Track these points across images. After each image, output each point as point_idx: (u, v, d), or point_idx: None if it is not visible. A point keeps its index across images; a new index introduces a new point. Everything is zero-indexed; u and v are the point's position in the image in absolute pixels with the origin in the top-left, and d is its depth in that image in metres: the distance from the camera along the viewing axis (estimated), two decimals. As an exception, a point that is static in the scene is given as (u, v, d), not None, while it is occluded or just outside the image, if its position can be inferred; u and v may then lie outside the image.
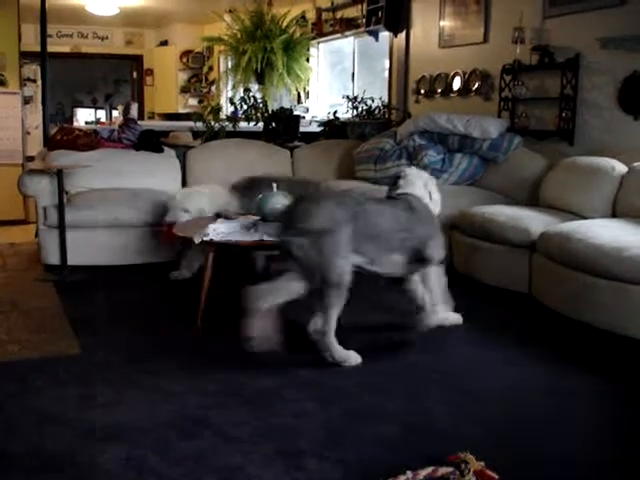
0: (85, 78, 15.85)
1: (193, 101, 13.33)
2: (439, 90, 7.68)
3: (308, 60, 10.06)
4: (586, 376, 3.61)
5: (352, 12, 9.23)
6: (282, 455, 2.73)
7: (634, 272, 3.87)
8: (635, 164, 4.99)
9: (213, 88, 12.88)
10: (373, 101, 8.41)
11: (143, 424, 2.99)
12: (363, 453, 2.77)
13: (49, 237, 5.58)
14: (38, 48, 7.11)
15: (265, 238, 4.24)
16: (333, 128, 8.37)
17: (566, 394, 3.41)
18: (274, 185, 4.65)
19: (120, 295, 5.06)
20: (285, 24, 9.75)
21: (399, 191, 4.05)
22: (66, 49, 13.09)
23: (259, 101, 8.90)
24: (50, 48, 7.22)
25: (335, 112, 8.60)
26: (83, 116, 15.41)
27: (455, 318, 4.21)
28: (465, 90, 7.28)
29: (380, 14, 8.35)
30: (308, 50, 9.98)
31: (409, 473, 2.49)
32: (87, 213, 5.61)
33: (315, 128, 8.86)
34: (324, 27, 9.78)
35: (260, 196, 4.59)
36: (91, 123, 13.31)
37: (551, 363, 3.78)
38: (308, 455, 2.73)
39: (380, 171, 6.45)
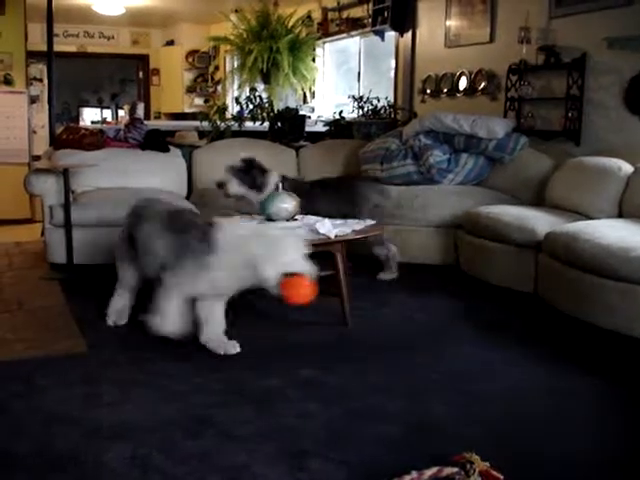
0: (91, 78, 15.88)
1: (199, 101, 13.33)
2: (445, 90, 7.68)
3: (314, 60, 10.05)
4: (590, 376, 3.60)
5: (358, 12, 9.23)
6: (286, 455, 2.73)
7: (641, 272, 3.86)
8: (641, 164, 4.99)
9: (219, 88, 12.89)
10: (379, 101, 8.41)
11: (148, 423, 2.99)
12: (366, 453, 2.76)
13: (55, 236, 5.59)
14: (44, 48, 7.12)
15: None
16: (339, 128, 8.37)
17: (569, 394, 3.40)
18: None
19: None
20: (291, 24, 9.74)
21: None
22: (72, 49, 13.11)
23: (265, 101, 8.89)
24: (56, 48, 7.24)
25: (341, 112, 8.60)
26: (89, 115, 15.44)
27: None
28: (471, 90, 7.28)
29: (386, 14, 8.35)
30: (314, 50, 9.97)
31: (414, 473, 2.49)
32: (93, 212, 5.61)
33: (321, 128, 8.86)
34: (330, 27, 9.77)
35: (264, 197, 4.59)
36: (97, 122, 13.31)
37: (555, 363, 3.78)
38: (311, 455, 2.73)
39: (386, 170, 6.44)
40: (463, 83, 7.42)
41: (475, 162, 6.23)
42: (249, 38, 9.74)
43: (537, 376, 3.63)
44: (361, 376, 3.58)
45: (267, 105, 8.82)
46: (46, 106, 7.88)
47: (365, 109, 8.43)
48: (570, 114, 5.97)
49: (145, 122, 7.15)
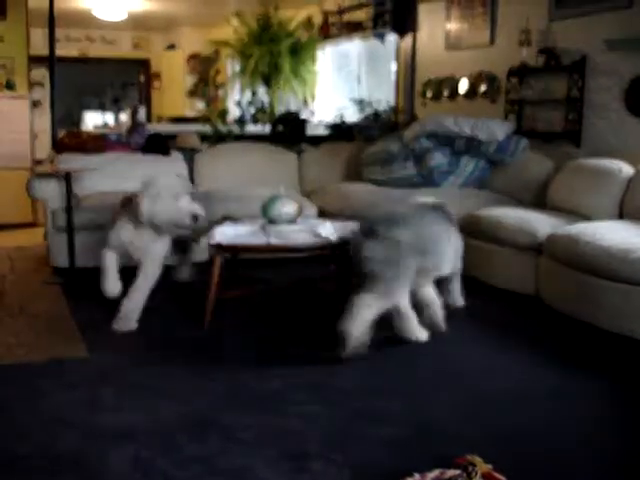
0: (93, 82, 15.87)
1: (200, 104, 13.34)
2: (446, 93, 7.69)
3: (315, 63, 10.07)
4: (592, 378, 3.61)
5: (359, 15, 9.23)
6: (288, 457, 2.74)
7: (641, 274, 3.87)
8: (642, 166, 5.00)
9: (220, 91, 12.90)
10: (380, 104, 8.41)
11: (150, 426, 3.00)
12: (368, 455, 2.77)
13: (57, 240, 5.60)
14: (46, 52, 7.13)
15: (272, 241, 4.25)
16: (340, 131, 8.37)
17: (570, 396, 3.41)
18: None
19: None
20: (292, 27, 9.76)
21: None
22: (74, 53, 13.11)
23: (266, 104, 8.91)
24: (58, 52, 7.24)
25: (342, 115, 8.60)
26: (91, 120, 15.44)
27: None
28: (472, 93, 7.29)
29: (387, 17, 8.36)
30: (315, 53, 9.99)
31: (417, 475, 2.49)
32: (95, 216, 5.62)
33: (322, 131, 8.85)
34: (331, 30, 9.76)
35: (267, 200, 4.60)
36: (99, 127, 13.34)
37: (556, 365, 3.78)
38: (314, 457, 2.73)
39: (387, 173, 6.45)
40: (464, 86, 7.42)
41: (476, 165, 6.24)
42: (250, 42, 9.76)
43: (539, 378, 3.64)
44: (362, 378, 3.59)
45: (268, 108, 8.84)
46: (48, 110, 7.87)
47: (366, 112, 8.44)
48: (570, 116, 5.98)
49: (147, 126, 7.16)
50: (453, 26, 7.55)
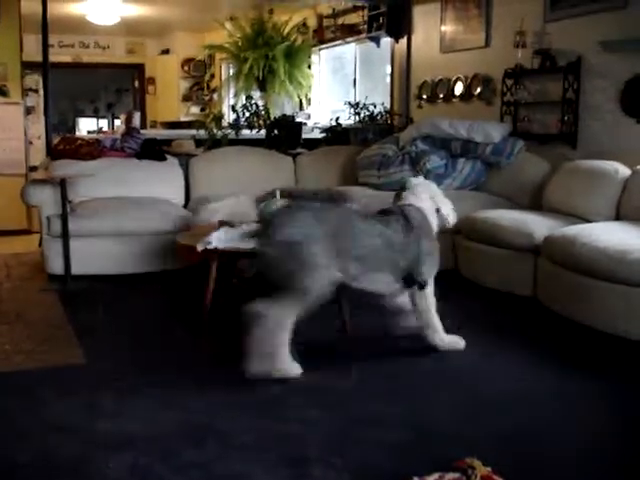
0: (87, 87, 15.88)
1: (195, 109, 13.34)
2: (441, 95, 7.69)
3: (310, 67, 10.08)
4: (590, 379, 3.60)
5: (353, 18, 9.25)
6: (287, 462, 2.72)
7: (638, 275, 3.86)
8: (638, 167, 4.99)
9: (215, 96, 12.90)
10: (375, 107, 8.41)
11: (148, 432, 2.98)
12: (368, 459, 2.76)
13: (53, 247, 5.58)
14: (40, 58, 7.10)
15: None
16: (335, 134, 8.37)
17: (570, 397, 3.40)
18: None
19: (124, 304, 5.05)
20: (286, 31, 9.77)
21: (402, 202, 3.98)
22: (68, 59, 13.09)
23: (261, 108, 8.90)
24: (52, 58, 7.21)
25: (337, 118, 8.60)
26: (85, 125, 15.44)
27: (456, 342, 4.02)
28: (467, 95, 7.29)
29: (381, 20, 8.38)
30: (309, 57, 9.99)
31: (416, 479, 2.48)
32: (90, 222, 5.61)
33: (317, 134, 8.86)
34: (325, 34, 9.79)
35: (262, 204, 4.58)
36: (93, 132, 13.32)
37: (555, 366, 3.78)
38: (313, 462, 2.72)
39: (383, 177, 6.44)
40: (459, 88, 7.43)
41: (472, 167, 6.23)
42: (244, 46, 9.77)
43: (537, 379, 3.63)
44: (361, 381, 3.57)
45: (263, 112, 8.83)
46: (42, 117, 7.84)
47: (361, 115, 8.44)
48: (566, 117, 5.98)
49: (141, 131, 7.14)
50: (448, 28, 7.56)
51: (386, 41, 8.64)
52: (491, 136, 6.12)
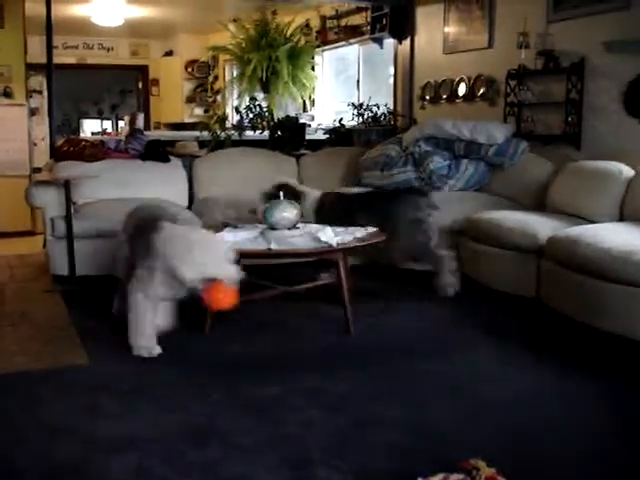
0: (91, 89, 15.91)
1: (199, 110, 13.35)
2: (444, 96, 7.69)
3: (313, 68, 10.08)
4: (594, 380, 3.59)
5: (356, 19, 9.25)
6: (289, 464, 2.72)
7: (643, 276, 3.86)
8: (642, 167, 4.99)
9: (219, 97, 12.91)
10: (378, 108, 8.42)
11: (151, 434, 2.98)
12: (370, 461, 2.75)
13: (57, 248, 5.59)
14: (44, 60, 7.12)
15: (272, 247, 4.24)
16: (339, 135, 8.38)
17: (573, 398, 3.39)
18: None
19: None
20: (290, 32, 9.77)
21: None
22: (72, 60, 13.11)
23: (265, 110, 8.91)
24: (56, 59, 7.23)
25: (341, 119, 8.61)
26: (89, 127, 15.45)
27: None
28: (470, 96, 7.29)
29: (384, 21, 8.37)
30: (313, 58, 10.00)
31: (420, 480, 2.48)
32: (95, 223, 5.61)
33: (321, 136, 8.87)
34: (329, 35, 9.79)
35: (267, 205, 4.58)
36: (97, 134, 13.34)
37: (559, 367, 3.77)
38: (316, 464, 2.72)
39: (386, 178, 6.44)
40: (462, 89, 7.43)
41: (475, 168, 6.22)
42: (248, 47, 9.77)
43: (541, 380, 3.62)
44: (363, 383, 3.57)
45: (267, 114, 8.85)
46: (46, 118, 7.88)
47: (365, 116, 8.45)
48: (570, 118, 5.97)
49: (145, 133, 7.15)
50: (451, 29, 7.56)
51: (389, 42, 8.64)
52: (494, 137, 6.11)
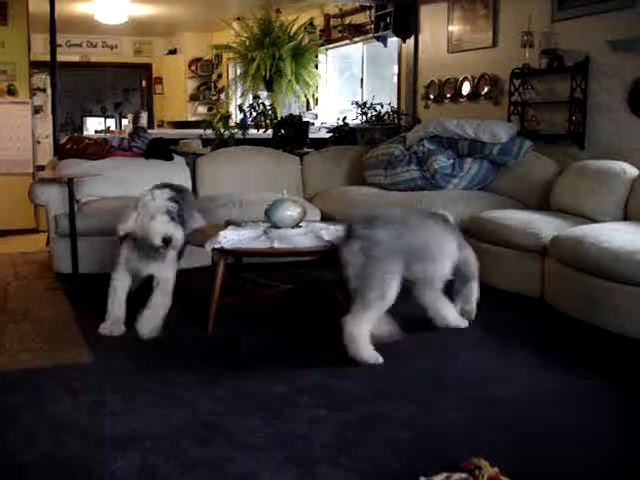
0: (94, 87, 15.90)
1: (202, 109, 13.36)
2: (448, 95, 7.68)
3: (317, 67, 10.08)
4: (598, 380, 3.59)
5: (360, 18, 9.24)
6: (295, 462, 2.72)
7: (647, 275, 3.85)
8: (646, 167, 4.98)
9: (222, 96, 12.92)
10: (382, 107, 8.41)
11: (156, 431, 2.98)
12: (376, 459, 2.75)
13: (60, 246, 5.60)
14: (48, 58, 7.13)
15: (276, 245, 4.23)
16: (342, 134, 8.37)
17: (577, 398, 3.39)
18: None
19: (130, 303, 5.05)
20: (293, 31, 9.77)
21: None
22: (75, 58, 13.14)
23: (268, 108, 8.91)
24: (59, 57, 7.25)
25: (344, 118, 8.60)
26: (93, 125, 15.44)
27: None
28: (474, 95, 7.28)
29: (388, 20, 8.36)
30: (316, 57, 10.00)
31: (423, 479, 2.48)
32: (98, 221, 5.61)
33: (324, 134, 8.86)
34: (332, 33, 9.79)
35: (271, 204, 4.58)
36: (101, 132, 13.34)
37: (563, 367, 3.77)
38: (321, 462, 2.72)
39: (390, 177, 6.44)
40: (466, 88, 7.42)
41: (479, 167, 6.22)
42: (252, 46, 9.77)
43: (545, 380, 3.62)
44: (366, 382, 3.57)
45: (270, 112, 8.84)
46: (50, 116, 7.87)
47: (368, 115, 8.44)
48: (574, 117, 5.96)
49: (149, 131, 7.15)
50: (455, 28, 7.55)
51: (393, 41, 8.63)
52: (498, 136, 6.11)
